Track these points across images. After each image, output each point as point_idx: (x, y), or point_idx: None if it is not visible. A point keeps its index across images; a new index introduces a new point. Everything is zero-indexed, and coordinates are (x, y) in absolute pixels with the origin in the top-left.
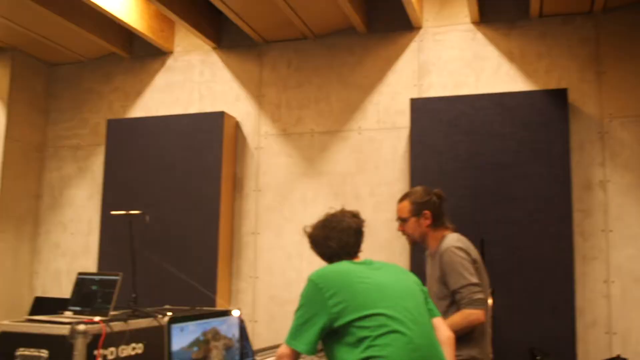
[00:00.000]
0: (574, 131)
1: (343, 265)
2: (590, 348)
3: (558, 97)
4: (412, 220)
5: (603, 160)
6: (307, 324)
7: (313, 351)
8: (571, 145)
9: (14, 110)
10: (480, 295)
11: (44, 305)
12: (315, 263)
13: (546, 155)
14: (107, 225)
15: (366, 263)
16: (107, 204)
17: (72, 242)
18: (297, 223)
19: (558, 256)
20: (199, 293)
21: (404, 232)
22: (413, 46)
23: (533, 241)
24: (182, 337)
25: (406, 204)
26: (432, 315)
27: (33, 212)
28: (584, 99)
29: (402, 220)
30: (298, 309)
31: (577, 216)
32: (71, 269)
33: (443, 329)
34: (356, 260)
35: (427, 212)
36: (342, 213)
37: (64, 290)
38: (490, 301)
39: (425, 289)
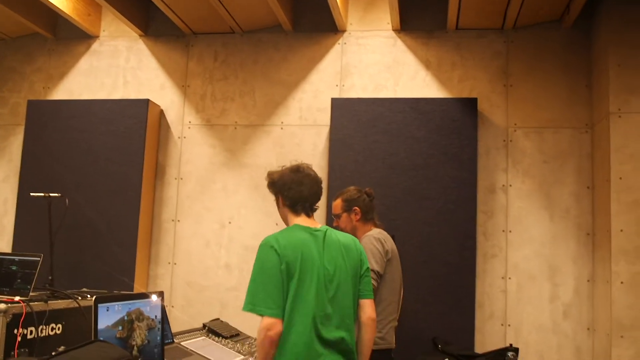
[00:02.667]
0: (482, 138)
1: (299, 235)
2: (487, 338)
3: (469, 106)
4: (344, 215)
5: (506, 167)
6: None
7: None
8: (479, 150)
9: None
10: (373, 283)
11: None
12: (233, 252)
13: (456, 159)
14: (24, 206)
15: (317, 237)
16: (25, 185)
17: None
18: (217, 212)
19: (462, 253)
20: (116, 277)
21: (338, 226)
22: (337, 48)
23: (440, 239)
24: (108, 316)
25: (339, 201)
26: (362, 296)
27: None
28: (492, 108)
29: (336, 216)
30: None
31: (480, 217)
32: None
33: (366, 310)
34: (312, 227)
35: (356, 208)
36: (308, 167)
37: None
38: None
39: (366, 266)
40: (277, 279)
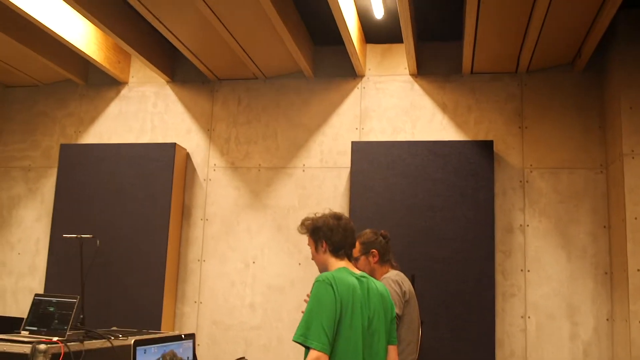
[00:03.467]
0: (498, 179)
1: (349, 279)
2: None
3: (485, 148)
4: (362, 258)
5: (523, 207)
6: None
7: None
8: (495, 191)
9: None
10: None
11: None
12: (257, 292)
13: (473, 199)
14: (55, 246)
15: (362, 284)
16: (57, 225)
17: (19, 261)
18: (242, 252)
19: (481, 292)
20: (143, 315)
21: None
22: (356, 92)
23: (459, 278)
24: (145, 358)
25: (357, 244)
26: (389, 342)
27: None
28: (508, 150)
29: (355, 260)
30: None
31: (499, 256)
32: (16, 288)
33: (391, 355)
34: (354, 272)
35: (374, 251)
36: (344, 215)
37: (9, 308)
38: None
39: (394, 314)
40: (332, 316)
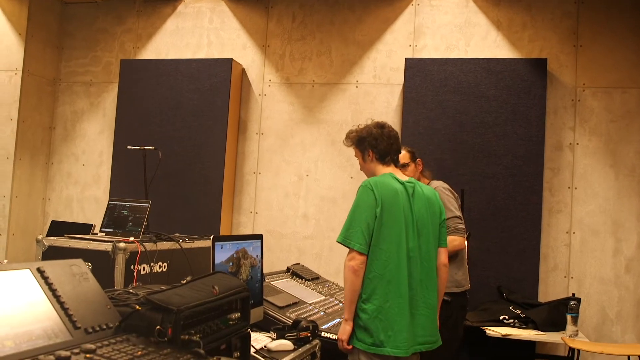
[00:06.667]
0: (550, 97)
1: (393, 184)
2: (550, 289)
3: (538, 66)
4: (412, 165)
5: (574, 125)
6: None
7: None
8: (547, 109)
9: (30, 45)
10: (462, 226)
11: (60, 228)
12: (310, 203)
13: (524, 117)
14: (118, 158)
15: (407, 189)
16: (119, 138)
17: (84, 172)
18: (295, 165)
19: (528, 208)
20: (202, 224)
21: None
22: (410, 9)
23: (507, 193)
24: (222, 253)
25: (405, 152)
26: (439, 244)
27: (46, 143)
28: (562, 68)
29: (403, 166)
30: None
31: (547, 173)
32: (82, 197)
33: (442, 258)
34: (400, 178)
35: (420, 159)
36: (388, 124)
37: (75, 215)
38: (465, 243)
39: (443, 218)
40: (371, 219)
